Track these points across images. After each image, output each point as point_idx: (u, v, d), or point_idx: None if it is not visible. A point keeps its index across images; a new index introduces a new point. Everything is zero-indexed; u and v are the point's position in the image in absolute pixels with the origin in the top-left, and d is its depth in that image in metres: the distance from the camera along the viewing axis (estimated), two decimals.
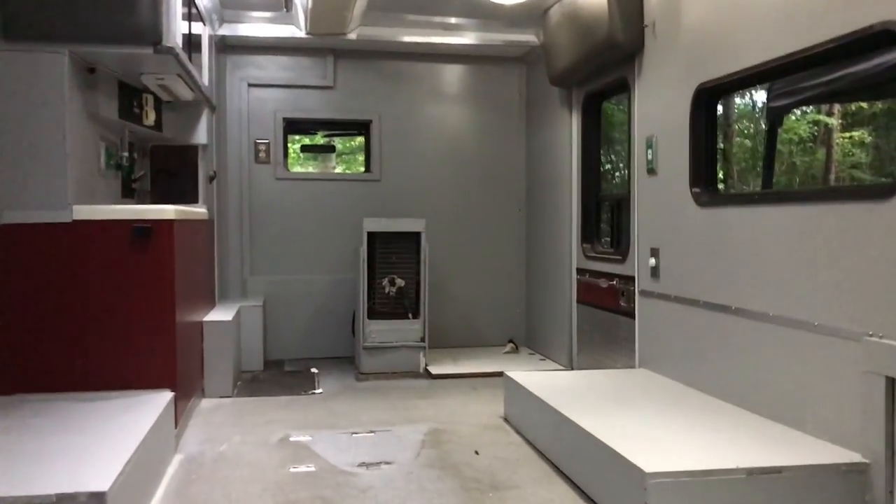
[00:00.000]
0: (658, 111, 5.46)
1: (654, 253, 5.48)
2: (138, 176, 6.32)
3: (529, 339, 8.39)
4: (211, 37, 7.10)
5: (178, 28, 4.84)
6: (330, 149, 9.86)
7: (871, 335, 3.45)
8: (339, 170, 10.20)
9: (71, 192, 4.67)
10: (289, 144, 8.62)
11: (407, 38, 7.69)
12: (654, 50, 5.51)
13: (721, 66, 4.66)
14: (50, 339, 4.65)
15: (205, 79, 6.62)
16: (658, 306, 5.46)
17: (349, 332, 7.81)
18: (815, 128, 10.73)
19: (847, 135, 10.34)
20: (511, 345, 8.23)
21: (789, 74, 4.34)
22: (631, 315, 5.88)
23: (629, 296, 5.92)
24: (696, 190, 4.96)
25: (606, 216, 6.87)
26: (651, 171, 5.52)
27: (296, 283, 8.10)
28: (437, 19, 7.55)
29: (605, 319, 6.40)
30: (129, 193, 6.20)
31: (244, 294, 7.99)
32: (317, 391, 6.61)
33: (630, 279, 5.89)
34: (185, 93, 5.86)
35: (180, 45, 4.99)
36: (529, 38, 7.71)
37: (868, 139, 9.95)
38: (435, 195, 8.35)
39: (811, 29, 3.85)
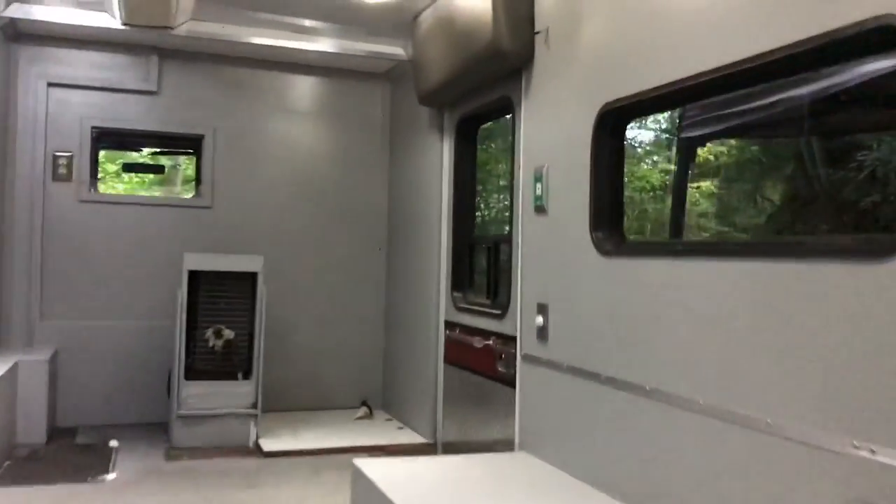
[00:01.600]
0: (550, 137, 4.44)
1: (542, 310, 4.42)
2: None
3: (387, 401, 7.16)
4: None
5: None
6: (158, 169, 8.39)
7: (857, 447, 2.47)
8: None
9: None
10: (103, 161, 7.09)
11: (249, 39, 6.40)
12: (546, 62, 4.50)
13: (635, 80, 3.67)
14: None
15: None
16: (545, 376, 4.38)
17: (164, 392, 6.30)
18: (666, 177, 10.40)
19: (695, 185, 10.04)
20: (365, 408, 6.97)
21: (726, 91, 3.41)
22: (510, 383, 4.79)
23: (509, 360, 4.83)
24: (599, 234, 3.94)
25: (482, 261, 5.78)
26: (540, 209, 4.48)
27: (99, 331, 6.53)
28: (289, 20, 6.30)
29: (478, 385, 5.29)
30: None
31: (30, 343, 6.35)
32: (108, 476, 5.11)
33: (510, 340, 4.81)
34: None
35: None
36: (395, 50, 6.62)
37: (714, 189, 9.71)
38: (278, 228, 7.04)
39: (762, 32, 2.91)
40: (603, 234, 3.93)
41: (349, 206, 7.25)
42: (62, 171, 6.50)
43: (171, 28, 6.08)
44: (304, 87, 7.25)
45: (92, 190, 6.66)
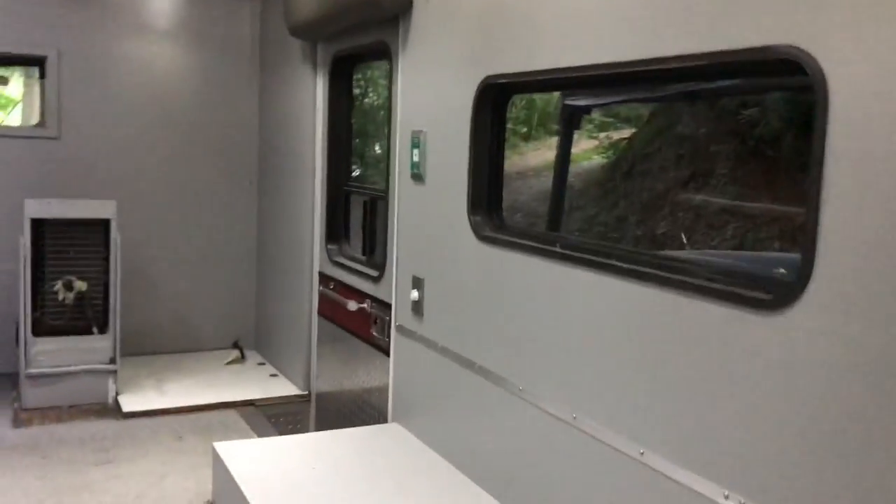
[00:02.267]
0: (429, 100, 4.10)
1: (418, 284, 4.20)
2: None
3: (260, 343, 6.88)
4: None
5: None
6: (2, 81, 7.57)
7: (727, 497, 2.41)
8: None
9: None
10: None
11: None
12: (424, 16, 4.11)
13: (519, 58, 3.37)
14: None
15: None
16: (419, 352, 4.21)
17: (13, 342, 5.79)
18: None
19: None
20: (236, 351, 6.68)
21: (613, 86, 3.16)
22: (385, 351, 4.61)
23: (383, 327, 4.63)
24: (476, 218, 3.70)
25: (359, 213, 5.46)
26: (417, 177, 4.18)
27: None
28: None
29: (352, 346, 5.08)
30: None
31: None
32: None
33: (386, 307, 4.59)
34: None
35: None
36: None
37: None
38: (137, 161, 6.44)
39: (657, 38, 2.66)
40: (481, 218, 3.70)
41: (215, 137, 6.69)
42: None
43: None
44: (162, 3, 6.50)
45: None
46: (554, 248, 3.20)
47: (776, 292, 2.28)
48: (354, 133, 5.66)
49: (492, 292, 3.58)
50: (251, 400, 5.70)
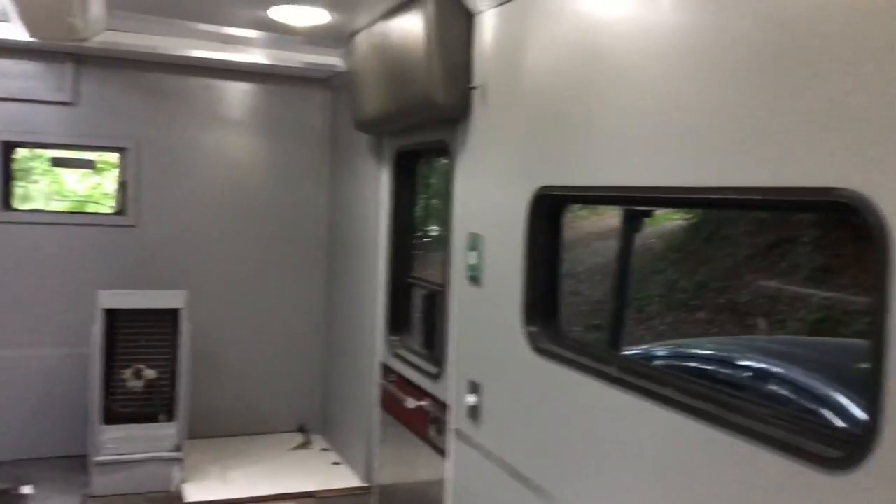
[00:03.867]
0: (486, 204, 4.07)
1: (475, 389, 4.11)
2: None
3: (325, 427, 6.86)
4: None
5: None
6: (88, 164, 7.92)
7: None
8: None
9: None
10: (30, 157, 6.54)
11: (172, 51, 5.87)
12: (483, 120, 4.10)
13: (572, 171, 3.32)
14: None
15: None
16: (475, 459, 4.10)
17: (84, 424, 5.93)
18: None
19: None
20: (301, 436, 6.68)
21: (665, 206, 3.07)
22: (442, 453, 4.51)
23: (440, 428, 4.54)
24: (532, 329, 3.61)
25: (420, 304, 5.43)
26: (474, 280, 4.14)
27: (11, 361, 6.11)
28: (216, 29, 5.76)
29: (412, 443, 5.00)
30: None
31: None
32: None
33: (444, 407, 4.51)
34: None
35: None
36: (334, 61, 6.11)
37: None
38: (208, 245, 6.60)
39: (709, 168, 2.56)
40: (536, 329, 3.61)
41: (285, 223, 6.82)
42: None
43: (85, 40, 5.53)
44: (236, 94, 6.73)
45: (4, 210, 6.15)
46: (609, 370, 3.08)
47: (845, 448, 2.10)
48: (419, 225, 5.66)
49: (548, 406, 3.46)
50: (312, 492, 5.65)
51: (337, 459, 6.31)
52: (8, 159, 6.19)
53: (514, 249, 3.68)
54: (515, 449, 3.72)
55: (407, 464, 5.12)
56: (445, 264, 4.55)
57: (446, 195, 4.57)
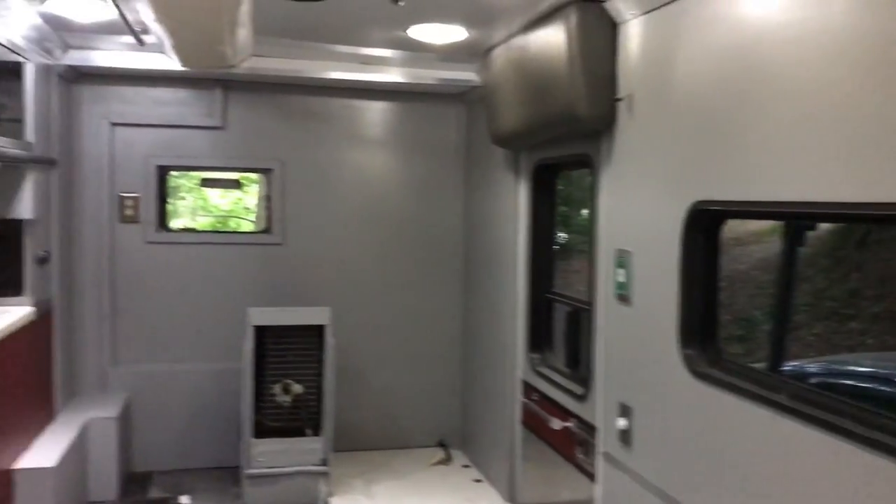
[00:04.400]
0: (633, 218, 3.92)
1: (626, 412, 3.96)
2: None
3: (465, 443, 6.83)
4: (47, 68, 5.36)
5: None
6: (235, 184, 8.28)
7: None
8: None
9: None
10: (178, 176, 6.86)
11: (314, 74, 6.03)
12: (630, 132, 3.95)
13: (731, 185, 3.13)
14: None
15: (29, 132, 4.90)
16: (627, 485, 3.94)
17: (236, 436, 6.16)
18: None
19: None
20: (442, 452, 6.68)
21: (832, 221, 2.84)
22: (590, 476, 4.37)
23: (588, 450, 4.41)
24: (689, 352, 3.43)
25: (562, 320, 5.31)
26: (623, 298, 3.99)
27: (170, 374, 6.43)
28: (356, 50, 5.87)
29: (557, 464, 4.88)
30: None
31: (104, 389, 6.29)
32: None
33: (592, 429, 4.37)
34: None
35: None
36: (469, 76, 6.10)
37: None
38: (350, 261, 6.74)
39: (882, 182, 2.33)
40: (693, 352, 3.42)
41: (423, 238, 6.86)
42: (129, 212, 6.35)
43: (233, 66, 5.76)
44: (374, 113, 6.84)
45: (159, 230, 6.48)
46: (778, 398, 2.87)
47: None
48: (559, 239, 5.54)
49: (707, 434, 3.28)
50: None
51: (478, 476, 6.26)
52: (163, 182, 6.52)
53: (668, 267, 3.52)
54: (670, 476, 3.55)
55: (552, 484, 5.01)
56: (590, 281, 4.42)
57: (588, 209, 4.45)
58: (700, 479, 3.32)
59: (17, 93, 4.85)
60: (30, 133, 4.92)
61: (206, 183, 8.40)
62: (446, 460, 6.59)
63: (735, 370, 3.28)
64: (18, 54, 4.74)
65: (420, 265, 6.87)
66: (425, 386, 6.91)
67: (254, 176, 7.95)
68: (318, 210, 6.68)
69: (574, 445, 4.59)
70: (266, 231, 6.76)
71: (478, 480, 6.20)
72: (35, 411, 5.25)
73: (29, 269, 5.13)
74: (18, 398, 4.92)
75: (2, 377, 4.56)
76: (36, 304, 5.11)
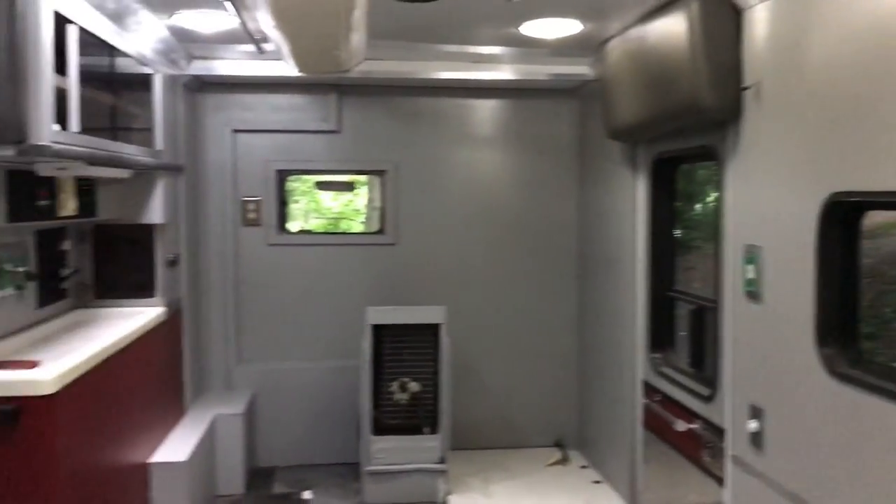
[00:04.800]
0: (764, 211, 3.74)
1: (757, 414, 3.79)
2: (68, 273, 4.89)
3: (583, 443, 6.73)
4: (173, 79, 5.60)
5: (50, 118, 3.31)
6: (348, 186, 8.45)
7: None
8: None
9: None
10: (293, 179, 7.02)
11: (426, 75, 6.07)
12: (758, 121, 3.78)
13: (872, 176, 2.93)
14: None
15: (158, 141, 5.14)
16: (759, 491, 3.77)
17: (355, 434, 6.28)
18: None
19: None
20: (559, 452, 6.59)
21: None
22: (719, 481, 4.21)
23: (716, 454, 4.25)
24: (827, 351, 3.25)
25: (686, 322, 5.13)
26: (753, 295, 3.82)
27: (291, 373, 6.61)
28: (467, 49, 5.88)
29: (682, 467, 4.73)
30: (55, 298, 4.79)
31: (229, 386, 6.53)
32: None
33: (719, 432, 4.21)
34: (109, 173, 4.37)
35: (65, 136, 3.48)
36: (582, 70, 6.00)
37: None
38: (462, 260, 6.75)
39: None
40: (833, 351, 3.23)
41: (536, 236, 6.80)
42: (251, 215, 6.56)
43: (347, 71, 5.87)
44: (485, 111, 6.82)
45: (280, 232, 6.68)
46: None
47: None
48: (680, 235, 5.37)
49: (849, 438, 3.08)
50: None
51: (597, 478, 6.15)
52: (282, 186, 6.71)
53: (802, 262, 3.34)
54: (806, 481, 3.36)
55: (676, 487, 4.85)
56: (716, 278, 4.25)
57: (700, 203, 4.28)
58: (838, 485, 3.14)
59: (147, 103, 5.08)
60: (159, 141, 5.15)
61: (321, 186, 8.61)
62: (563, 461, 6.51)
63: (879, 371, 3.08)
64: (148, 66, 4.96)
65: (533, 263, 6.81)
66: (541, 385, 6.84)
67: (363, 178, 8.06)
68: (430, 210, 6.73)
69: (700, 448, 4.43)
70: (380, 232, 6.85)
71: (597, 482, 6.09)
72: (168, 407, 5.50)
73: (160, 272, 5.38)
74: (154, 395, 5.17)
75: (140, 374, 4.79)
76: (167, 305, 5.34)
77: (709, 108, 3.93)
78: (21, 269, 4.17)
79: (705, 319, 4.70)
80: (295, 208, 13.08)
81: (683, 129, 4.55)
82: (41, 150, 3.25)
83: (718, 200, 4.23)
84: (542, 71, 6.13)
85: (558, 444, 6.68)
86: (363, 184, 9.78)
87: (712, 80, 3.86)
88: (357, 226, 14.52)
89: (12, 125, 3.18)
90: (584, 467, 6.40)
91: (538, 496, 5.79)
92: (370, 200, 13.71)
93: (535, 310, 6.82)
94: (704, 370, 4.67)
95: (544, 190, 6.79)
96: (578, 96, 6.64)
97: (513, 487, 5.97)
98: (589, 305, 6.58)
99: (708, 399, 4.37)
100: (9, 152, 3.21)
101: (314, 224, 14.09)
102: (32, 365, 3.63)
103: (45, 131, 3.27)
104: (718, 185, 4.21)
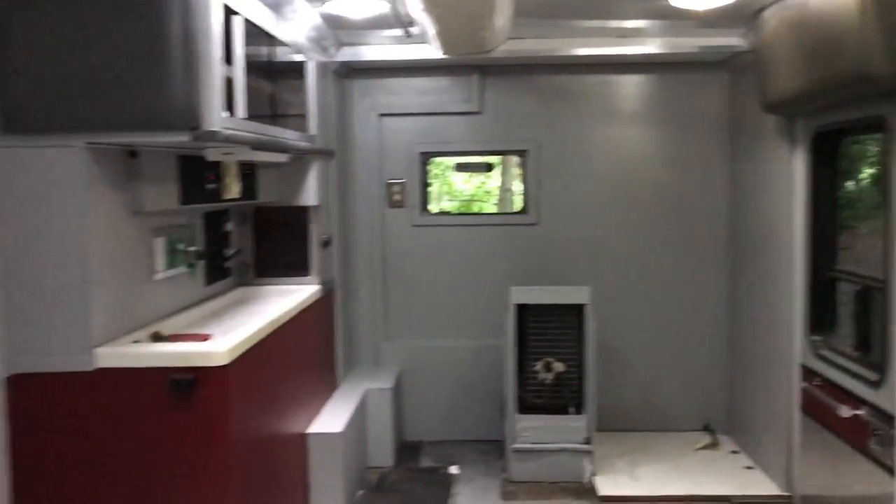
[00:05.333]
0: None
1: None
2: (231, 253, 5.18)
3: (733, 428, 6.52)
4: (324, 66, 5.79)
5: (220, 105, 3.50)
6: (487, 167, 8.49)
7: None
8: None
9: (96, 328, 3.53)
10: (429, 162, 7.12)
11: (570, 51, 6.01)
12: None
13: None
14: None
15: (311, 126, 5.34)
16: None
17: (498, 412, 6.36)
18: None
19: None
20: (708, 436, 6.41)
21: None
22: (889, 470, 3.98)
23: (885, 442, 4.01)
24: None
25: (851, 303, 4.86)
26: None
27: (436, 350, 6.75)
28: (612, 24, 5.77)
29: (845, 455, 4.50)
30: (220, 276, 5.09)
31: (377, 362, 6.75)
32: None
33: (889, 419, 3.98)
34: (270, 158, 4.58)
35: (233, 122, 3.68)
36: (734, 41, 5.76)
37: None
38: (605, 239, 6.66)
39: None
40: None
41: (683, 216, 6.61)
42: (396, 197, 6.73)
43: (490, 51, 5.89)
44: (630, 87, 6.67)
45: (423, 213, 6.81)
46: None
47: None
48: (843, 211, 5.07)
49: None
50: (727, 496, 5.39)
51: (749, 463, 5.95)
52: (425, 168, 6.83)
53: None
54: None
55: (839, 476, 4.63)
56: (885, 257, 4.01)
57: (855, 179, 4.03)
58: None
59: (301, 90, 5.27)
60: (312, 127, 5.34)
61: (460, 167, 8.70)
62: (713, 445, 6.33)
63: None
64: (303, 54, 5.15)
65: (680, 243, 6.63)
66: (688, 367, 6.67)
67: (496, 160, 8.07)
68: (572, 189, 6.67)
69: (867, 435, 4.20)
70: (522, 212, 6.85)
71: (749, 467, 5.89)
72: (322, 381, 5.73)
73: (314, 252, 5.60)
74: (311, 369, 5.41)
75: (298, 349, 5.02)
76: (321, 284, 5.56)
77: (881, 75, 3.69)
78: (192, 249, 4.44)
79: (872, 301, 4.44)
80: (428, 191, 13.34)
81: (849, 100, 4.29)
82: (213, 136, 3.44)
83: (886, 175, 3.97)
84: (690, 44, 5.93)
85: (707, 428, 6.49)
86: (497, 164, 9.82)
87: (886, 46, 3.62)
88: (489, 207, 14.62)
89: (187, 112, 3.39)
90: (734, 452, 6.21)
91: (688, 480, 5.66)
92: (503, 183, 13.77)
93: (681, 290, 6.64)
94: (871, 354, 4.42)
95: (691, 167, 6.59)
96: (728, 69, 6.38)
97: (660, 471, 5.86)
98: (740, 286, 6.35)
99: (876, 384, 4.13)
100: (184, 138, 3.42)
101: (446, 206, 14.29)
102: (205, 338, 3.89)
103: (216, 118, 3.46)
104: (886, 158, 3.95)
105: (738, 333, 6.39)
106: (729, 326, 6.56)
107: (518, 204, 6.98)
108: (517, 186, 13.36)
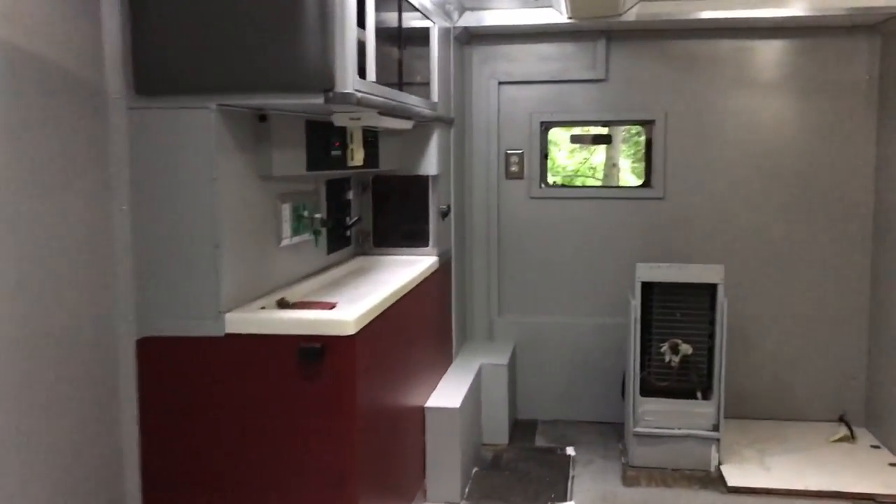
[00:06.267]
0: None
1: None
2: (352, 222, 5.12)
3: (872, 420, 6.07)
4: (447, 31, 5.63)
5: (354, 68, 3.38)
6: (606, 139, 8.21)
7: None
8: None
9: (225, 293, 3.49)
10: (549, 151, 6.88)
11: (705, 15, 5.64)
12: None
13: None
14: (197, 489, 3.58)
15: (434, 93, 5.19)
16: None
17: (618, 394, 6.12)
18: None
19: None
20: (844, 428, 5.99)
21: None
22: None
23: None
24: None
25: None
26: None
27: (552, 327, 6.53)
28: None
29: None
30: (341, 244, 5.04)
31: (491, 337, 6.61)
32: None
33: None
34: (395, 124, 4.46)
35: (365, 85, 3.56)
36: (889, 2, 5.28)
37: None
38: (737, 216, 6.27)
39: None
40: None
41: (823, 192, 6.14)
42: (514, 168, 6.52)
43: (619, 14, 5.59)
44: (768, 53, 6.21)
45: (542, 185, 6.58)
46: None
47: None
48: None
49: None
50: (871, 494, 5.01)
51: (893, 460, 5.52)
52: (544, 138, 6.59)
53: None
54: None
55: None
56: None
57: None
58: None
59: (425, 56, 5.13)
60: (435, 94, 5.19)
61: (575, 139, 8.44)
62: (850, 438, 5.91)
63: None
64: (429, 18, 5.00)
65: (819, 221, 6.17)
66: (824, 355, 6.24)
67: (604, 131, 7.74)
68: (702, 162, 6.30)
69: None
70: (645, 185, 6.53)
71: (893, 464, 5.46)
72: (438, 355, 5.63)
73: (433, 223, 5.47)
74: (428, 342, 5.30)
75: (417, 321, 4.92)
76: (439, 255, 5.44)
77: None
78: (317, 216, 4.38)
79: None
80: None
81: None
82: (346, 98, 3.33)
83: None
84: (838, 5, 5.48)
85: (843, 420, 6.07)
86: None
87: None
88: (593, 183, 14.19)
89: (322, 74, 3.29)
90: (874, 447, 5.77)
91: (825, 475, 5.28)
92: (608, 158, 13.34)
93: (820, 272, 6.20)
94: None
95: (834, 138, 6.11)
96: (881, 33, 5.87)
97: (793, 462, 5.50)
98: (885, 270, 5.87)
99: None
100: (318, 100, 3.33)
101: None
102: (331, 306, 3.82)
103: (350, 80, 3.35)
104: None
105: (882, 321, 5.92)
106: (871, 310, 6.10)
107: (624, 180, 6.65)
108: (623, 162, 12.93)
